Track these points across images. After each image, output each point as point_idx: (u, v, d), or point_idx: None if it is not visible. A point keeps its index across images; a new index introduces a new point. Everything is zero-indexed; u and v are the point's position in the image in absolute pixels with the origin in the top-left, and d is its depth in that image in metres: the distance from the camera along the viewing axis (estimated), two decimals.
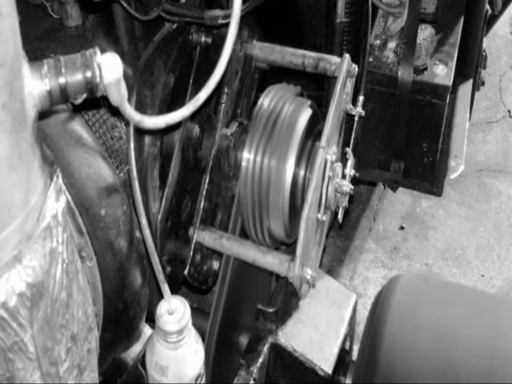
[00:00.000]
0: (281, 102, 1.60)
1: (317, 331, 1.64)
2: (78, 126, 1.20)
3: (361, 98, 1.75)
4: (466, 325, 1.39)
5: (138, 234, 1.30)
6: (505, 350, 1.34)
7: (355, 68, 1.65)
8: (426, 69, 2.00)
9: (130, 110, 0.92)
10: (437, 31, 2.09)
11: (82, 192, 1.16)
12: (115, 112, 1.31)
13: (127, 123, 1.39)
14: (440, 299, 1.46)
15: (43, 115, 0.88)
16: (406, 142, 2.09)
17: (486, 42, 2.83)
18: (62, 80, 0.82)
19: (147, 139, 1.42)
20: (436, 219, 3.17)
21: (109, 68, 0.83)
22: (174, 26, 1.50)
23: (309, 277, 1.53)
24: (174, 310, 1.19)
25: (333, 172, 1.57)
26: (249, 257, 1.59)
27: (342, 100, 1.64)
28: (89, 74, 0.82)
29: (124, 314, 1.30)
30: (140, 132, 1.39)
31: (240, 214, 1.65)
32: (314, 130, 1.62)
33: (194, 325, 1.23)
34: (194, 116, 1.53)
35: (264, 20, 1.72)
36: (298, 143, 1.55)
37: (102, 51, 0.84)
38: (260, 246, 1.61)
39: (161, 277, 1.24)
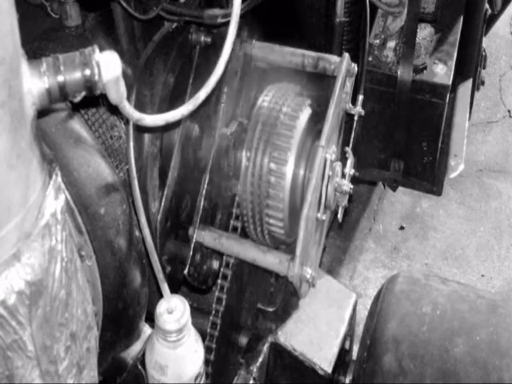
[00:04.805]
0: (280, 102, 1.60)
1: (317, 330, 1.64)
2: (77, 125, 1.20)
3: (360, 98, 1.75)
4: (466, 322, 1.39)
5: (137, 233, 1.30)
6: (505, 347, 1.34)
7: (354, 67, 1.65)
8: (425, 68, 2.00)
9: (128, 108, 0.92)
10: (436, 30, 2.09)
11: (81, 191, 1.15)
12: (114, 111, 1.31)
13: (127, 122, 1.39)
14: (439, 297, 1.46)
15: (42, 113, 0.88)
16: (405, 142, 2.09)
17: (486, 42, 2.83)
18: (60, 78, 0.82)
19: (147, 139, 1.42)
20: (436, 219, 3.17)
21: (107, 66, 0.83)
22: (174, 26, 1.50)
23: (308, 276, 1.53)
24: (174, 309, 1.19)
25: (332, 171, 1.57)
26: (249, 256, 1.58)
27: (342, 99, 1.64)
28: (87, 72, 0.82)
29: (123, 313, 1.30)
30: (139, 131, 1.39)
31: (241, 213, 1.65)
32: (313, 130, 1.62)
33: (194, 324, 1.23)
34: (193, 115, 1.53)
35: (263, 19, 1.72)
36: (297, 142, 1.55)
37: (102, 51, 0.84)
38: (260, 246, 1.60)
39: (160, 276, 1.24)
